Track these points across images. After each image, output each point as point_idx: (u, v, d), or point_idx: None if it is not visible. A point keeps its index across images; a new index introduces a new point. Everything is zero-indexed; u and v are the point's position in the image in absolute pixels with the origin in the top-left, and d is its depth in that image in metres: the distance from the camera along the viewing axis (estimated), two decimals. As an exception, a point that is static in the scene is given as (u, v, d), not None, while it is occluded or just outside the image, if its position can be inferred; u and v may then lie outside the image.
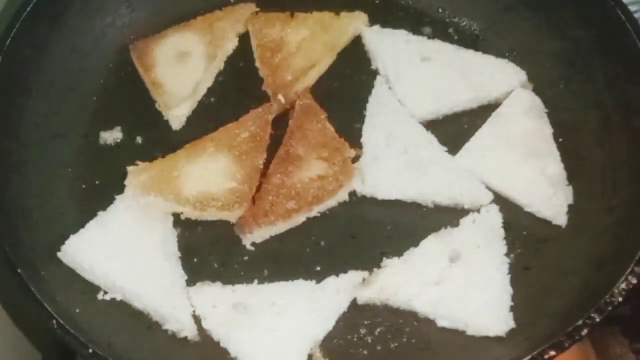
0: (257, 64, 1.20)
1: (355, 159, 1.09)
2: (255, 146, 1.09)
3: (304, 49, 1.19)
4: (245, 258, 1.04)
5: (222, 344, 0.95)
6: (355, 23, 1.22)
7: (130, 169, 1.06)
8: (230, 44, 1.23)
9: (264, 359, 0.93)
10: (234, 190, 1.05)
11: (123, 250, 1.00)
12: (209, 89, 1.19)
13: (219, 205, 1.04)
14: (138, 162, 1.07)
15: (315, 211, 1.06)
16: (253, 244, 1.04)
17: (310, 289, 0.99)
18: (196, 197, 1.04)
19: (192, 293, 0.98)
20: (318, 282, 1.00)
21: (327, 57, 1.20)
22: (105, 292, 0.98)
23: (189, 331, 0.96)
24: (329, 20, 1.22)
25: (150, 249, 1.01)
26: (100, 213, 1.03)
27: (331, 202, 1.07)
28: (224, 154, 1.08)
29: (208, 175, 1.06)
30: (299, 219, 1.05)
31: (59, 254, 0.99)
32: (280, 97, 1.16)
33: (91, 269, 0.98)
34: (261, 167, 1.08)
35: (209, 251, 1.04)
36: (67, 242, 1.00)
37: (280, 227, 1.05)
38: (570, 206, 1.05)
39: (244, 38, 1.23)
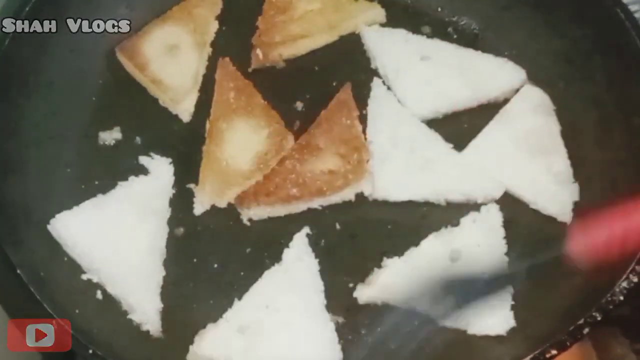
0: (259, 19, 1.22)
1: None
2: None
3: (306, 19, 1.22)
4: (246, 258, 1.03)
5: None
6: (368, 13, 1.23)
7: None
8: (213, 28, 1.24)
9: None
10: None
11: (110, 235, 1.01)
12: (204, 76, 1.20)
13: None
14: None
15: (316, 203, 1.06)
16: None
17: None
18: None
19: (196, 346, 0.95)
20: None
21: (325, 35, 1.22)
22: (84, 272, 0.99)
23: (151, 325, 0.97)
24: (346, 1, 1.24)
25: (137, 240, 1.02)
26: (99, 196, 1.04)
27: (335, 199, 1.07)
28: (241, 120, 1.11)
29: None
30: (300, 206, 1.06)
31: (49, 227, 1.00)
32: (258, 51, 1.18)
33: (74, 246, 0.99)
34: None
35: (209, 251, 1.04)
36: (57, 215, 1.01)
37: (279, 210, 1.05)
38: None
39: (223, 22, 1.25)
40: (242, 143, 1.10)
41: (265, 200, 1.04)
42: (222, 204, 1.07)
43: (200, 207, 1.07)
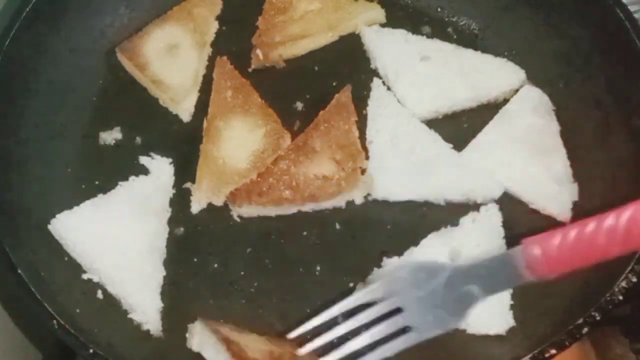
0: (259, 19, 1.23)
1: (363, 171, 1.08)
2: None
3: (306, 19, 1.22)
4: (246, 258, 1.04)
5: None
6: (368, 13, 1.24)
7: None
8: (213, 28, 1.24)
9: None
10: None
11: (110, 235, 1.01)
12: (204, 76, 1.20)
13: None
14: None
15: (308, 207, 1.06)
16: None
17: None
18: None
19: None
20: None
21: (325, 35, 1.22)
22: (84, 272, 1.00)
23: (152, 325, 0.97)
24: (345, 1, 1.24)
25: (137, 239, 1.02)
26: (100, 196, 1.05)
27: (326, 205, 1.06)
28: (238, 119, 1.12)
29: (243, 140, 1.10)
30: (291, 209, 1.06)
31: (49, 227, 1.00)
32: (258, 51, 1.19)
33: (74, 246, 0.99)
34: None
35: (209, 251, 1.04)
36: (57, 215, 1.01)
37: (270, 210, 1.05)
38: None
39: (223, 21, 1.26)
40: (239, 141, 1.11)
41: (258, 200, 1.05)
42: (218, 202, 1.07)
43: (197, 205, 1.07)
